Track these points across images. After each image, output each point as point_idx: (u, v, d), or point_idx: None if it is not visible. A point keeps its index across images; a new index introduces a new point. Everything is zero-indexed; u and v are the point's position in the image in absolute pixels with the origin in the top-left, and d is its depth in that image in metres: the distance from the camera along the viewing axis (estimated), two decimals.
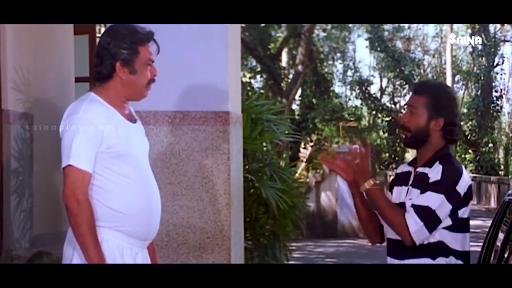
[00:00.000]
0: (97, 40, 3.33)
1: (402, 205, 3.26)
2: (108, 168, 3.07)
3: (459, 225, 3.20)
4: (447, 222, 3.16)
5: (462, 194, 3.17)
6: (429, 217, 3.12)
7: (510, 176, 26.93)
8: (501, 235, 4.08)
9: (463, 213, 3.20)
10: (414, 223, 3.11)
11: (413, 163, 3.37)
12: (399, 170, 3.44)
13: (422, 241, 3.14)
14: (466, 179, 3.21)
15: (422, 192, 3.17)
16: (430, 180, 3.17)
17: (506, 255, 3.83)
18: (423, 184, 3.21)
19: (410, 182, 3.29)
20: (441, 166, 3.19)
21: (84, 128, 3.01)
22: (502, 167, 29.66)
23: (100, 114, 3.07)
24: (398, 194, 3.33)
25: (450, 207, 3.13)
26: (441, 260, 3.16)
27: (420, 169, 3.28)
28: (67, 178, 3.00)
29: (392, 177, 3.47)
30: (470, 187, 3.23)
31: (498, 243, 4.02)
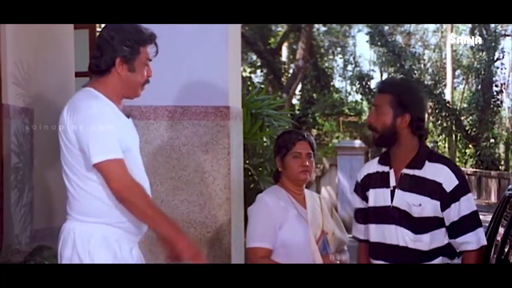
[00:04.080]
0: (97, 34, 3.33)
1: (386, 209, 3.24)
2: None
3: None
4: None
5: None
6: (478, 218, 3.23)
7: (510, 171, 26.92)
8: (501, 230, 4.08)
9: None
10: (478, 235, 3.20)
11: (385, 162, 3.31)
12: (370, 171, 3.37)
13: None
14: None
15: (435, 199, 3.18)
16: (447, 188, 3.17)
17: (506, 250, 3.83)
18: (423, 188, 3.19)
19: (395, 184, 3.25)
20: (442, 166, 3.19)
21: (105, 121, 3.04)
22: (502, 162, 29.63)
23: (107, 108, 3.10)
24: (379, 196, 3.28)
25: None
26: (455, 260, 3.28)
27: (406, 171, 3.23)
28: (109, 174, 3.00)
29: (360, 178, 3.41)
30: None
31: (499, 238, 4.02)
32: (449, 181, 3.16)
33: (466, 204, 3.18)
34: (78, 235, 3.07)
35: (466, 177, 3.40)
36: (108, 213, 3.07)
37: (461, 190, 3.18)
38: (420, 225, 3.20)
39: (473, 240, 3.18)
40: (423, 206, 3.17)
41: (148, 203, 3.02)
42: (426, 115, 3.69)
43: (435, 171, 3.19)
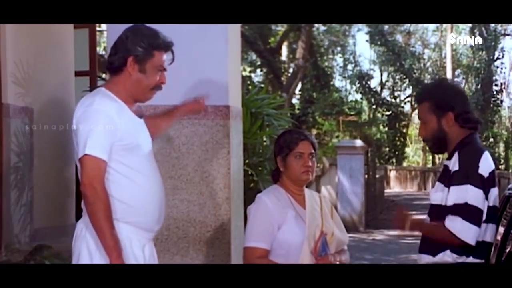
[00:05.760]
0: (97, 34, 3.37)
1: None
2: (117, 160, 3.11)
3: (490, 216, 3.21)
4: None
5: (485, 176, 3.16)
6: (469, 212, 3.10)
7: (510, 170, 26.92)
8: (501, 229, 4.08)
9: (491, 199, 3.20)
10: (457, 225, 3.09)
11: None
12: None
13: (475, 238, 3.11)
14: (486, 162, 3.19)
15: (446, 186, 3.18)
16: (451, 171, 3.18)
17: (507, 250, 3.83)
18: (445, 177, 3.23)
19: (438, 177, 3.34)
20: (457, 155, 3.19)
21: (100, 119, 3.05)
22: (502, 161, 29.63)
23: (112, 107, 3.11)
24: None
25: (481, 191, 3.13)
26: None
27: (445, 162, 3.32)
28: (84, 168, 3.03)
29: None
30: (493, 171, 3.21)
31: (498, 237, 4.02)
32: (453, 166, 3.19)
33: (460, 193, 3.11)
34: (89, 230, 3.09)
35: (480, 171, 3.17)
36: (120, 210, 3.10)
37: (458, 176, 3.13)
38: (433, 211, 3.28)
39: (456, 225, 3.08)
40: (438, 193, 3.25)
41: (105, 211, 3.01)
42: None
43: (452, 160, 3.23)
